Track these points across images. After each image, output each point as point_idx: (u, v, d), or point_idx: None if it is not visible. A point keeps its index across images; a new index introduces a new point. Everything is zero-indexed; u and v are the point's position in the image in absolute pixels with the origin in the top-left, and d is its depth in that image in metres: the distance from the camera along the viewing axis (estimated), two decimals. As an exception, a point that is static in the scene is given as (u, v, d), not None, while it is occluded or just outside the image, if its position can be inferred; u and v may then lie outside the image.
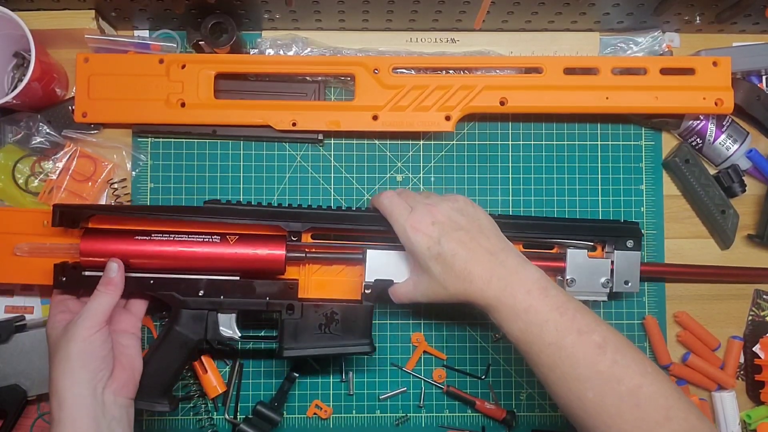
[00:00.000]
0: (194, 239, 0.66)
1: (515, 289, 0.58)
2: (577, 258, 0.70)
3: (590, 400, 0.54)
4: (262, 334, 0.75)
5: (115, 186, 0.75)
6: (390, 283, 0.67)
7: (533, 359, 0.57)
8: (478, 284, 0.59)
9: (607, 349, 0.55)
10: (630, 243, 0.70)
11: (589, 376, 0.54)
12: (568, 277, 0.70)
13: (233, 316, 0.68)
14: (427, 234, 0.61)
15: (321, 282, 0.71)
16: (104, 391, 0.60)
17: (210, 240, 0.66)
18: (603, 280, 0.70)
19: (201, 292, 0.67)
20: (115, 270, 0.64)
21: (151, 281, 0.66)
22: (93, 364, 0.59)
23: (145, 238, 0.66)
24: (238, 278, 0.67)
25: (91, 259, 0.65)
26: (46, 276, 0.66)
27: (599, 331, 0.56)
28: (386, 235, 0.66)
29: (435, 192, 0.75)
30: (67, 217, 0.66)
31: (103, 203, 0.75)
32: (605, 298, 0.71)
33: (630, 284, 0.71)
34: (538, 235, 0.70)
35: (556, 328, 0.56)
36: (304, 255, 0.68)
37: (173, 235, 0.66)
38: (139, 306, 0.68)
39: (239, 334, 0.69)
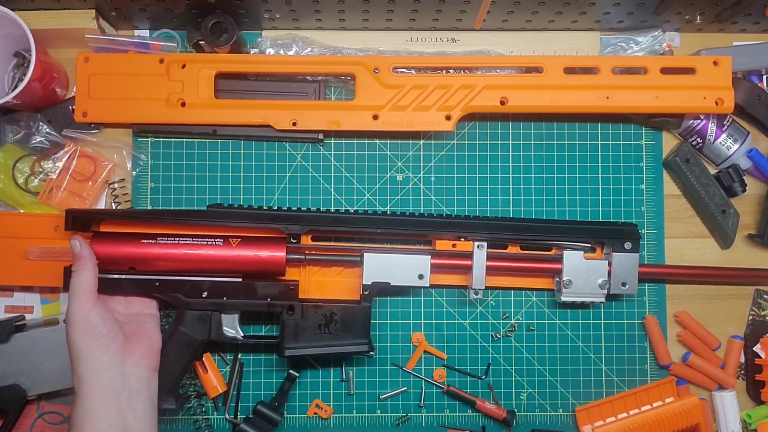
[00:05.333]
0: (198, 242, 0.67)
1: None
2: (573, 259, 0.70)
3: None
4: (264, 331, 0.75)
5: (114, 186, 0.75)
6: (387, 285, 0.68)
7: None
8: None
9: None
10: (628, 245, 0.70)
11: None
12: (564, 279, 0.70)
13: (236, 316, 0.70)
14: None
15: (321, 282, 0.72)
16: (123, 362, 0.60)
17: (213, 243, 0.67)
18: (600, 281, 0.70)
19: (204, 294, 0.68)
20: (78, 245, 0.64)
21: (157, 283, 0.67)
22: (99, 340, 0.60)
23: (151, 241, 0.67)
24: (240, 279, 0.68)
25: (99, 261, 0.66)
26: (57, 278, 0.67)
27: None
28: (384, 238, 0.67)
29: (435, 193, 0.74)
30: (79, 221, 0.68)
31: (107, 207, 0.75)
32: (603, 300, 0.71)
33: (627, 286, 0.71)
34: (534, 237, 0.70)
35: None
36: (303, 257, 0.69)
37: (178, 239, 0.67)
38: None
39: (242, 334, 0.70)
